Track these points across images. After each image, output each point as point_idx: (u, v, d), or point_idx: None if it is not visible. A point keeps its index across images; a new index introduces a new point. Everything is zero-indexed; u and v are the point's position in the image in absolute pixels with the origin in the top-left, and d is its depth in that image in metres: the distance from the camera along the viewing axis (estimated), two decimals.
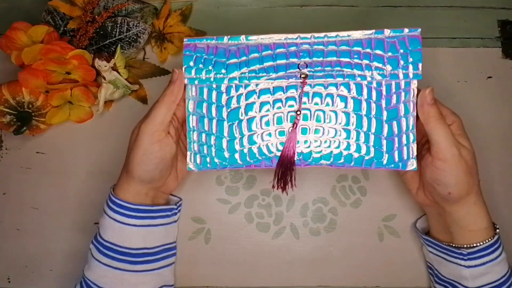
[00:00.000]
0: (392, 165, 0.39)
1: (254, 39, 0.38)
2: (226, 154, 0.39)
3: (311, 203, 0.48)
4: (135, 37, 0.49)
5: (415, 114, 0.38)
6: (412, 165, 0.38)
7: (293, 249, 0.47)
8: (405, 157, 0.38)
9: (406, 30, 0.37)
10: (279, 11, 0.53)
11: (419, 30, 0.37)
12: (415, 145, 0.38)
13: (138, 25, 0.49)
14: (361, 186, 0.48)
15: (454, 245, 0.40)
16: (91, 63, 0.47)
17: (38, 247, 0.47)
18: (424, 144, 0.41)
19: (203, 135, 0.39)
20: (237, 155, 0.39)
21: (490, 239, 0.39)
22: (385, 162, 0.39)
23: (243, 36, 0.38)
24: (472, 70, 0.51)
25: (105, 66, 0.46)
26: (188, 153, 0.40)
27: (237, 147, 0.39)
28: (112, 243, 0.40)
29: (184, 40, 0.39)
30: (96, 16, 0.48)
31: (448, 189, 0.37)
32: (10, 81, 0.45)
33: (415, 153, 0.38)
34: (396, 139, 0.38)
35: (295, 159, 0.38)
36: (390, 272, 0.46)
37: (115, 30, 0.49)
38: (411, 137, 0.38)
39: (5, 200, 0.48)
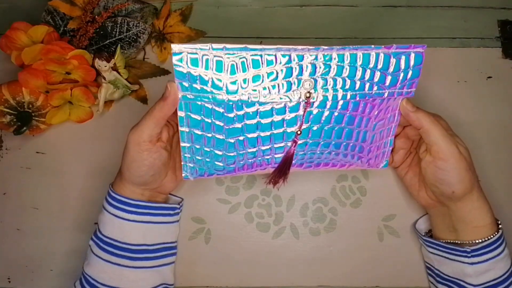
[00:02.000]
0: (367, 166, 0.42)
1: (257, 49, 0.33)
2: (223, 167, 0.39)
3: (311, 203, 0.48)
4: (135, 37, 0.49)
5: (398, 123, 0.41)
6: (383, 164, 0.43)
7: (293, 249, 0.47)
8: (380, 159, 0.42)
9: (412, 46, 0.36)
10: (279, 11, 0.53)
11: (425, 46, 0.36)
12: (391, 148, 0.42)
13: (138, 25, 0.49)
14: (361, 186, 0.48)
15: (457, 243, 0.40)
16: (91, 63, 0.47)
17: (38, 247, 0.47)
18: (418, 147, 0.43)
19: (199, 151, 0.38)
20: (234, 167, 0.39)
21: (493, 235, 0.39)
22: (362, 164, 0.42)
23: (246, 46, 0.33)
24: (472, 70, 0.51)
25: (105, 66, 0.46)
26: (183, 163, 0.39)
27: (235, 160, 0.39)
28: (111, 238, 0.40)
29: (172, 48, 0.32)
30: (96, 16, 0.48)
31: (451, 188, 0.38)
32: (10, 81, 0.45)
33: (389, 155, 0.43)
34: (377, 145, 0.41)
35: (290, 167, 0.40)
36: (390, 272, 0.46)
37: (115, 30, 0.49)
38: (389, 142, 0.42)
39: (5, 200, 0.48)
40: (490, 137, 0.49)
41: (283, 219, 0.47)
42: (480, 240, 0.39)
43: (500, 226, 0.40)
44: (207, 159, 0.39)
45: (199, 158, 0.39)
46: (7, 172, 0.49)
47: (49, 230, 0.47)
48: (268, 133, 0.37)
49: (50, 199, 0.48)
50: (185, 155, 0.39)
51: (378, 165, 0.42)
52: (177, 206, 0.45)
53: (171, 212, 0.44)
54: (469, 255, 0.39)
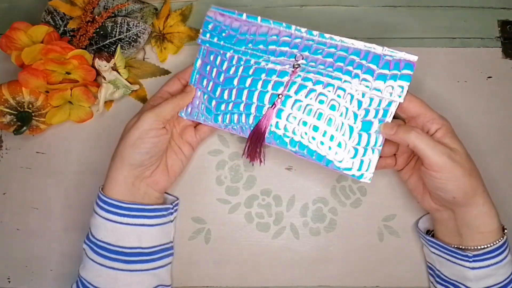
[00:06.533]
0: (348, 172, 0.40)
1: (267, 24, 0.42)
2: (212, 113, 0.43)
3: (311, 203, 0.48)
4: (135, 37, 0.49)
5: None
6: (368, 178, 0.39)
7: (293, 249, 0.47)
8: (365, 169, 0.40)
9: (404, 53, 0.38)
10: (279, 11, 0.53)
11: (416, 57, 0.38)
12: (377, 161, 0.39)
13: (138, 25, 0.49)
14: (361, 186, 0.48)
15: (459, 247, 0.40)
16: (91, 63, 0.47)
17: (38, 247, 0.47)
18: (413, 156, 0.43)
19: (199, 92, 0.44)
20: (220, 117, 0.43)
21: (497, 242, 0.38)
22: (342, 166, 0.40)
23: (260, 18, 0.42)
24: (472, 70, 0.51)
25: (105, 66, 0.46)
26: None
27: (223, 108, 0.43)
28: (105, 242, 0.40)
29: (211, 7, 0.44)
30: (96, 16, 0.48)
31: (452, 194, 0.37)
32: (10, 81, 0.45)
33: (373, 169, 0.39)
34: (362, 150, 0.40)
35: (266, 135, 0.40)
36: (390, 272, 0.46)
37: (115, 30, 0.49)
38: (376, 153, 0.39)
39: (5, 200, 0.48)
40: (490, 137, 0.49)
41: (283, 219, 0.47)
42: (482, 246, 0.38)
43: (505, 231, 0.39)
44: (203, 102, 0.44)
45: (197, 99, 0.44)
46: (7, 172, 0.49)
47: (49, 230, 0.47)
48: (254, 90, 0.41)
49: (50, 199, 0.48)
50: None
51: (362, 177, 0.39)
52: (170, 206, 0.45)
53: (165, 212, 0.44)
54: (470, 259, 0.38)
